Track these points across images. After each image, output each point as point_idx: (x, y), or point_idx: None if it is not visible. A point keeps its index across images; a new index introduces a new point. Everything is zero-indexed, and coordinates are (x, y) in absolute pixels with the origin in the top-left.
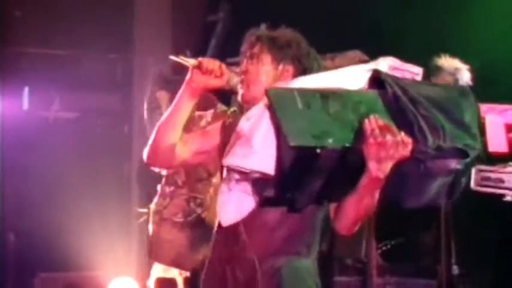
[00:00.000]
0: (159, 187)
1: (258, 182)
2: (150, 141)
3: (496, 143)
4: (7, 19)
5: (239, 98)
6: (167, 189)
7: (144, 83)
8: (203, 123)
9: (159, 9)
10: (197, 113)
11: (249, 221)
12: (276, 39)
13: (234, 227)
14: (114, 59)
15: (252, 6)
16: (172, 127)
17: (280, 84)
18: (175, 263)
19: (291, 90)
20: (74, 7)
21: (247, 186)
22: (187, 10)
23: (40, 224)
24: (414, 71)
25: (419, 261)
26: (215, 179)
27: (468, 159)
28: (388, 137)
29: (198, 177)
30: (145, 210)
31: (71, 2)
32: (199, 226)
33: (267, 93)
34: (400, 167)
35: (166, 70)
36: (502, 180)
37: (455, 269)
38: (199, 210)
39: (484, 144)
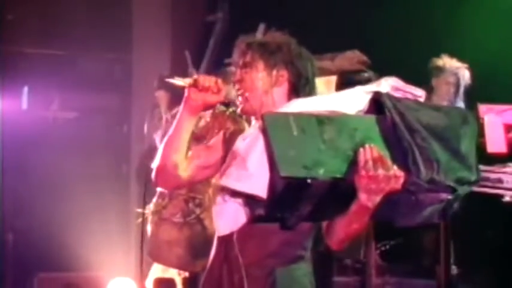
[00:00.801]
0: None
1: (250, 201)
2: (155, 163)
3: (494, 144)
4: (6, 19)
5: (239, 111)
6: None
7: (143, 82)
8: (202, 123)
9: (158, 9)
10: None
11: (243, 232)
12: (267, 45)
13: (229, 237)
14: (113, 59)
15: (251, 6)
16: (176, 148)
17: (276, 91)
18: (174, 263)
19: (287, 115)
20: (73, 7)
21: (240, 200)
22: (186, 10)
23: (39, 224)
24: (417, 94)
25: (418, 261)
26: (214, 180)
27: (460, 192)
28: (380, 171)
29: None
30: (144, 210)
31: (71, 2)
32: (198, 226)
33: (262, 118)
34: (391, 195)
35: (165, 70)
36: (500, 181)
37: (454, 269)
38: (198, 211)
39: (484, 147)
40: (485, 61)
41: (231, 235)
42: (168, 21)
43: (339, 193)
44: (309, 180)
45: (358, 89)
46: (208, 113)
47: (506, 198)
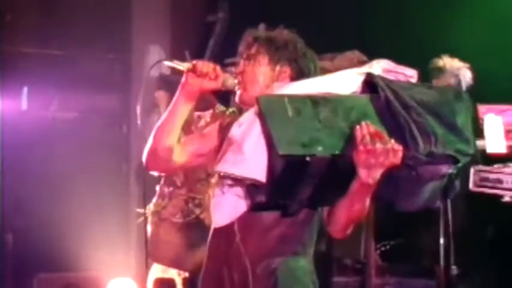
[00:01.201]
0: (157, 187)
1: (250, 188)
2: (147, 146)
3: (494, 144)
4: (6, 19)
5: (236, 99)
6: (166, 190)
7: (143, 83)
8: (202, 123)
9: (157, 9)
10: (196, 113)
11: (244, 221)
12: (273, 40)
13: (229, 227)
14: (113, 59)
15: (251, 6)
16: (169, 131)
17: (277, 86)
18: (174, 264)
19: (282, 97)
20: (73, 7)
21: (240, 190)
22: (186, 10)
23: (39, 224)
24: (408, 74)
25: (418, 261)
26: (214, 180)
27: (460, 164)
28: (378, 145)
29: (196, 177)
30: (144, 210)
31: (70, 2)
32: (198, 226)
33: (257, 101)
34: (391, 172)
35: (164, 70)
36: (500, 181)
37: (454, 269)
38: (198, 211)
39: (478, 147)
40: (485, 61)
41: (229, 229)
42: (167, 21)
43: (339, 173)
44: (308, 158)
45: (351, 71)
46: (208, 113)
47: (506, 198)
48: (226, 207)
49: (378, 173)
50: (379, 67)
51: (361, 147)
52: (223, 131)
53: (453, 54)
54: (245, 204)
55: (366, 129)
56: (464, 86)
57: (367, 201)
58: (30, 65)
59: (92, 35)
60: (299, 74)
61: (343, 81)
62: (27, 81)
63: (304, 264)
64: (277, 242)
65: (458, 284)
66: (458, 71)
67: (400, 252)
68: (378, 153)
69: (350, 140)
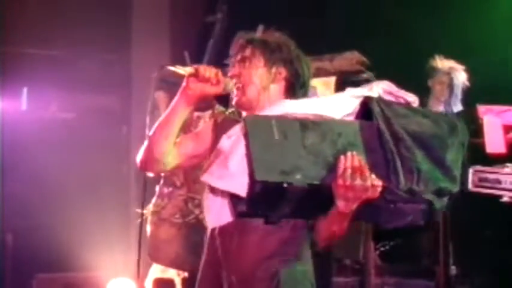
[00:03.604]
0: (157, 188)
1: (233, 197)
2: (143, 147)
3: (494, 144)
4: (5, 20)
5: (233, 103)
6: (165, 190)
7: (142, 83)
8: (201, 124)
9: (157, 10)
10: (195, 113)
11: (243, 224)
12: (267, 43)
13: (227, 229)
14: (113, 59)
15: (250, 7)
16: (167, 134)
17: (273, 89)
18: (174, 264)
19: (270, 119)
20: (73, 8)
21: (225, 197)
22: (186, 11)
23: (38, 224)
24: (409, 99)
25: (418, 262)
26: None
27: (437, 206)
28: (358, 181)
29: (196, 177)
30: (142, 210)
31: (70, 2)
32: (197, 227)
33: (244, 120)
34: (370, 202)
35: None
36: (499, 181)
37: (453, 270)
38: (197, 211)
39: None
40: (486, 63)
41: (228, 231)
42: (167, 22)
43: (318, 196)
44: (285, 185)
45: (349, 93)
46: (208, 113)
47: (505, 199)
48: (214, 211)
49: (355, 205)
50: (380, 88)
51: (340, 182)
52: (217, 130)
53: (452, 56)
54: (229, 211)
55: (349, 161)
56: (456, 85)
57: (346, 224)
58: (30, 66)
59: (91, 35)
60: (294, 75)
61: (340, 103)
62: (27, 81)
63: (304, 266)
64: (278, 244)
65: (458, 285)
66: (450, 70)
67: (399, 252)
68: (356, 189)
69: (332, 170)
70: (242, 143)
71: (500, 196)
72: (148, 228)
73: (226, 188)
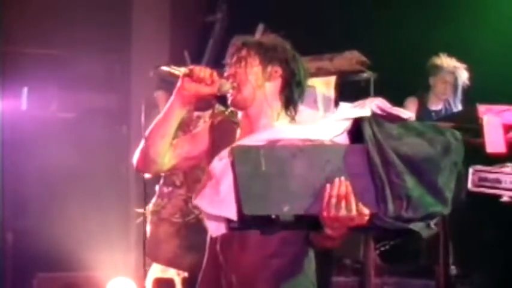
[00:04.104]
0: (157, 187)
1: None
2: (139, 147)
3: (493, 144)
4: (5, 20)
5: (229, 102)
6: (165, 190)
7: (142, 82)
8: (201, 123)
9: (157, 9)
10: (195, 113)
11: (245, 226)
12: (262, 43)
13: (228, 232)
14: (113, 59)
15: (250, 7)
16: (163, 135)
17: (269, 87)
18: (173, 264)
19: (258, 148)
20: (73, 7)
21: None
22: (185, 11)
23: (38, 224)
24: (404, 117)
25: (417, 261)
26: None
27: (423, 235)
28: (342, 212)
29: (195, 177)
30: (143, 210)
31: (70, 2)
32: (197, 226)
33: (232, 150)
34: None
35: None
36: (499, 181)
37: (453, 269)
38: (197, 211)
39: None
40: (484, 62)
41: (228, 234)
42: (167, 21)
43: (309, 219)
44: (273, 216)
45: (342, 109)
46: (208, 113)
47: (505, 198)
48: (213, 220)
49: (343, 231)
50: (374, 105)
51: (324, 214)
52: (214, 132)
53: (451, 53)
54: (223, 225)
55: (335, 189)
56: (460, 84)
57: (339, 241)
58: (30, 65)
59: (91, 35)
60: (290, 74)
61: (329, 125)
62: (27, 81)
63: (305, 266)
64: (279, 244)
65: (457, 284)
66: (455, 69)
67: (399, 252)
68: (342, 219)
69: (319, 199)
70: (231, 170)
71: (500, 196)
72: (148, 228)
73: (218, 213)
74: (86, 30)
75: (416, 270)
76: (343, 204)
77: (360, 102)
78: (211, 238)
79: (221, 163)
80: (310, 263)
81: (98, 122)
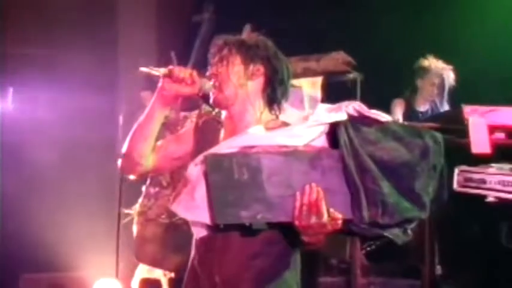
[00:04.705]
0: (143, 188)
1: None
2: (123, 150)
3: (479, 144)
4: None
5: (211, 101)
6: (152, 190)
7: (129, 83)
8: (188, 123)
9: (144, 9)
10: (182, 113)
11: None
12: (244, 42)
13: (213, 231)
14: (100, 59)
15: (237, 7)
16: (145, 136)
17: (251, 85)
18: (160, 264)
19: (231, 156)
20: (58, 7)
21: None
22: (172, 11)
23: (24, 224)
24: (382, 120)
25: (403, 261)
26: None
27: (398, 242)
28: (313, 220)
29: (182, 177)
30: (130, 211)
31: (56, 3)
32: (183, 227)
33: (205, 159)
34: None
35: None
36: (484, 181)
37: (438, 269)
38: None
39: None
40: (469, 62)
41: (212, 234)
42: (154, 21)
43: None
44: (247, 224)
45: (316, 117)
46: (194, 113)
47: (490, 198)
48: (197, 223)
49: (320, 237)
50: (350, 108)
51: (296, 223)
52: (199, 133)
53: (439, 54)
54: (205, 227)
55: (306, 196)
56: (447, 86)
57: (321, 240)
58: (16, 65)
59: (78, 35)
60: (273, 72)
61: (303, 131)
62: (13, 81)
63: (290, 266)
64: (263, 244)
65: (443, 284)
66: (443, 71)
67: (385, 252)
68: (314, 227)
69: (291, 208)
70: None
71: (485, 196)
72: (135, 229)
73: (194, 218)
74: (72, 30)
75: (402, 270)
76: (313, 213)
77: (337, 105)
78: (196, 239)
79: (196, 169)
80: (295, 262)
81: (84, 123)
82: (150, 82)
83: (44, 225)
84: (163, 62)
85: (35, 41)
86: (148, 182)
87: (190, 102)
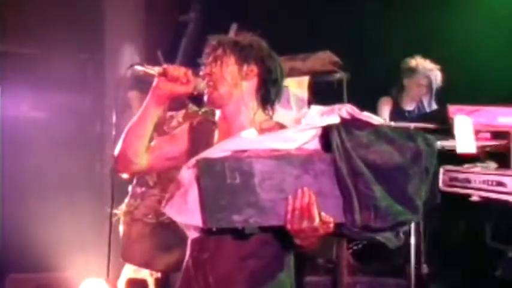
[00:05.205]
0: (130, 188)
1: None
2: (117, 149)
3: (464, 144)
4: None
5: (205, 100)
6: (138, 190)
7: (116, 82)
8: (174, 123)
9: (130, 9)
10: (168, 113)
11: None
12: (238, 42)
13: (206, 233)
14: (86, 58)
15: (223, 6)
16: (140, 135)
17: (245, 86)
18: (147, 264)
19: (223, 161)
20: (45, 6)
21: None
22: (159, 10)
23: (10, 224)
24: (374, 123)
25: (390, 260)
26: None
27: (390, 246)
28: (305, 224)
29: (169, 177)
30: (117, 211)
31: (43, 2)
32: (170, 227)
33: (197, 164)
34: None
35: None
36: (468, 181)
37: (424, 268)
38: None
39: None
40: (456, 62)
41: (206, 235)
42: (140, 21)
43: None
44: (239, 227)
45: (309, 120)
46: (181, 113)
47: (474, 198)
48: (189, 225)
49: (312, 240)
50: (343, 111)
51: (288, 227)
52: (194, 133)
53: (425, 54)
54: (198, 229)
55: (298, 201)
56: (434, 87)
57: (314, 243)
58: (2, 65)
59: (64, 34)
60: (266, 73)
61: (295, 134)
62: None
63: (284, 267)
64: (257, 245)
65: (429, 283)
66: (430, 72)
67: (371, 251)
68: (306, 231)
69: (283, 212)
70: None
71: (470, 195)
72: (121, 229)
73: (186, 221)
74: (59, 29)
75: (388, 269)
76: (305, 217)
77: (330, 107)
78: (191, 240)
79: (189, 172)
80: (289, 264)
81: (71, 122)
82: (137, 82)
83: (31, 225)
84: (149, 61)
85: (19, 40)
86: (134, 181)
87: (177, 102)
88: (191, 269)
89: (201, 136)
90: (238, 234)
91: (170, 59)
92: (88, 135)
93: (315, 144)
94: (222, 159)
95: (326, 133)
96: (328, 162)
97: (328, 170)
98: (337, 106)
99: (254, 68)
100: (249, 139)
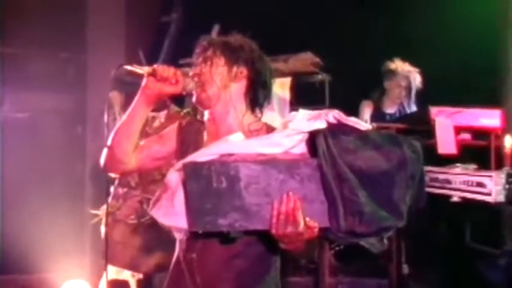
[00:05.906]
0: (112, 188)
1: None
2: (105, 149)
3: (445, 145)
4: None
5: (194, 99)
6: (120, 191)
7: (97, 82)
8: (156, 124)
9: (112, 9)
10: (150, 113)
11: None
12: (229, 43)
13: (192, 233)
14: (67, 58)
15: (205, 7)
16: (128, 135)
17: (234, 87)
18: (128, 265)
19: (209, 166)
20: (26, 5)
21: None
22: (141, 10)
23: None
24: (361, 129)
25: (371, 261)
26: None
27: (374, 251)
28: (289, 229)
29: (151, 178)
30: (98, 212)
31: (24, 1)
32: (152, 228)
33: (184, 167)
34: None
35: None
36: (449, 181)
37: (405, 268)
38: None
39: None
40: (436, 64)
41: (192, 235)
42: (122, 21)
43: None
44: (225, 231)
45: (296, 125)
46: (163, 113)
47: (454, 198)
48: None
49: (297, 244)
50: (330, 116)
51: (273, 231)
52: (182, 133)
53: (405, 56)
54: (184, 231)
55: (283, 205)
56: (414, 88)
57: (301, 246)
58: None
59: (45, 34)
60: (256, 75)
61: (282, 139)
62: None
63: (271, 267)
64: (243, 244)
65: (410, 283)
66: (409, 74)
67: (353, 251)
68: (291, 236)
69: (268, 216)
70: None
71: (450, 196)
72: (103, 230)
73: (173, 224)
74: (40, 29)
75: (370, 269)
76: (289, 222)
77: (317, 112)
78: (179, 240)
79: (176, 175)
80: (276, 264)
81: (52, 122)
82: (118, 82)
83: (12, 226)
84: (131, 61)
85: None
86: (116, 182)
87: (158, 103)
88: (179, 268)
89: (190, 136)
90: (224, 237)
91: (151, 59)
92: (69, 135)
93: (301, 149)
94: (209, 163)
95: (313, 138)
96: (314, 167)
97: (314, 174)
98: (324, 111)
99: (244, 70)
100: (236, 143)
